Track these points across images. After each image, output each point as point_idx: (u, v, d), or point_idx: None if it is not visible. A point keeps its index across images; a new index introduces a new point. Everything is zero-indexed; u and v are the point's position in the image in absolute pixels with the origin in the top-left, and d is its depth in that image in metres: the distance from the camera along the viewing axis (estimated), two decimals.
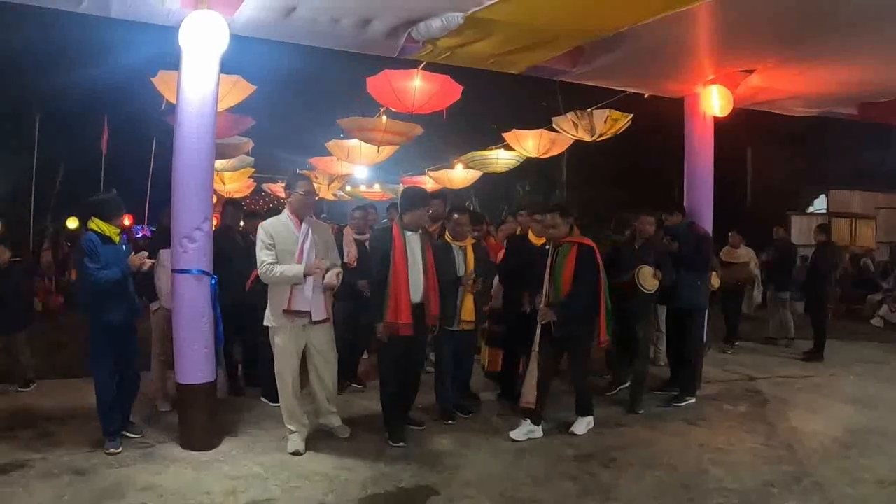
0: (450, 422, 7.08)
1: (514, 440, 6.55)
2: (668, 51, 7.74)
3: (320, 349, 6.34)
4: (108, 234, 6.13)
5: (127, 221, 9.77)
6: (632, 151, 18.23)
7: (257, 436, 6.59)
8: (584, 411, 6.97)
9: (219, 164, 12.94)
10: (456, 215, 7.16)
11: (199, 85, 6.12)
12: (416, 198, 6.63)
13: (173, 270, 6.23)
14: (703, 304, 8.27)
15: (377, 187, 20.25)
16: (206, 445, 6.19)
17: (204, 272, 6.20)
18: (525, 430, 6.65)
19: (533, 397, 6.59)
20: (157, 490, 5.34)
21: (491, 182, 17.75)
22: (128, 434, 6.39)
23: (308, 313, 6.13)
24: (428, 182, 16.21)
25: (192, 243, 6.13)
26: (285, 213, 6.30)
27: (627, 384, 8.09)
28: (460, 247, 7.13)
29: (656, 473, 5.84)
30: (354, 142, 11.92)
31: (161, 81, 8.14)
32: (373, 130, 10.26)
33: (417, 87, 8.25)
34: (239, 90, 8.34)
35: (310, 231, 6.22)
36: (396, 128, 10.28)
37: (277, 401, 6.45)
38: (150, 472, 5.67)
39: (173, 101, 7.55)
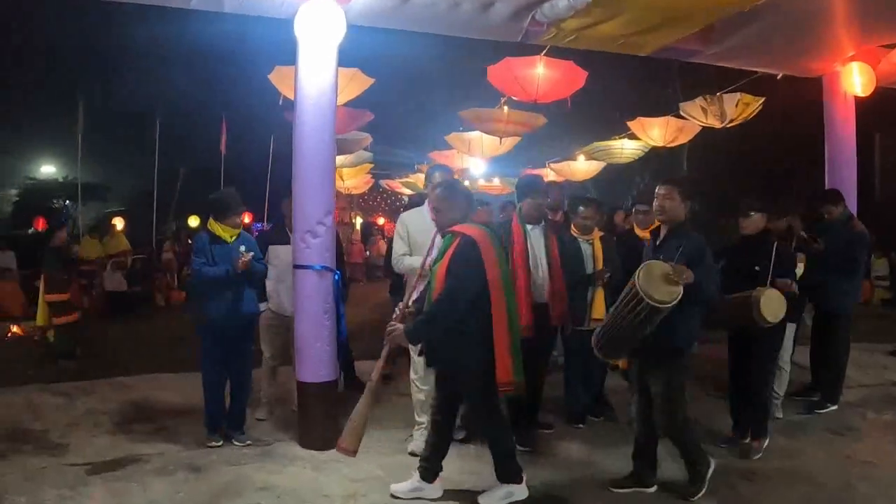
0: (579, 425, 6.73)
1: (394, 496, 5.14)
2: (807, 26, 7.32)
3: None
4: (218, 233, 6.09)
5: (247, 219, 9.84)
6: (760, 138, 17.39)
7: (377, 436, 6.37)
8: (504, 476, 5.01)
9: (337, 160, 12.91)
10: (581, 207, 6.76)
11: (316, 76, 6.00)
12: (529, 185, 6.32)
13: (295, 266, 6.12)
14: (850, 308, 7.52)
15: (496, 181, 19.95)
16: (326, 445, 6.00)
17: (326, 268, 6.08)
18: (410, 486, 5.16)
19: (353, 443, 5.09)
20: (274, 490, 5.24)
21: (610, 173, 17.21)
22: (234, 443, 6.24)
23: None
24: (549, 174, 15.79)
25: (315, 238, 6.02)
26: (425, 205, 6.14)
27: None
28: (587, 240, 6.72)
29: (800, 488, 5.37)
30: (475, 134, 11.69)
31: (277, 77, 8.09)
32: (495, 121, 9.98)
33: (540, 74, 7.93)
34: (357, 83, 8.19)
35: None
36: (519, 118, 9.98)
37: None
38: (267, 471, 5.59)
39: (290, 96, 7.50)
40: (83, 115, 18.40)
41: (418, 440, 5.95)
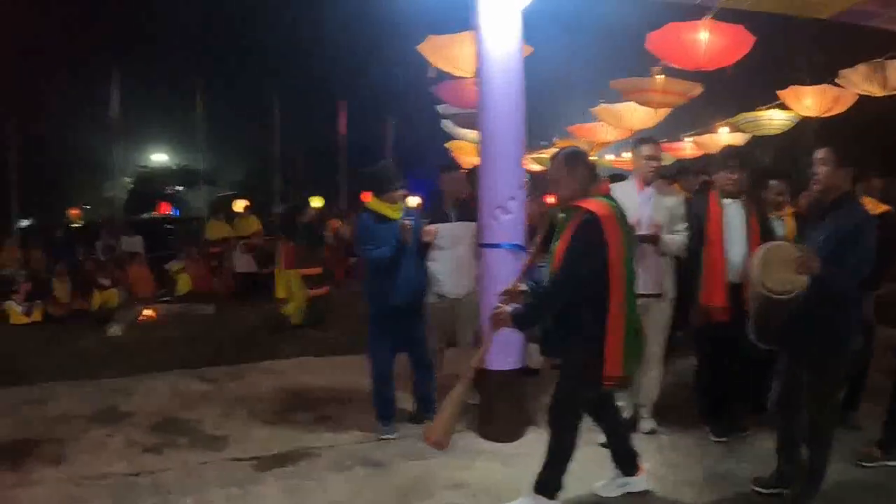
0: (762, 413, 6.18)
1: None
2: None
3: (649, 326, 5.41)
4: (382, 212, 5.77)
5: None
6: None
7: None
8: (539, 486, 4.47)
9: (470, 134, 12.64)
10: (773, 182, 6.20)
11: (502, 39, 5.58)
12: (727, 157, 5.98)
13: (482, 245, 5.74)
14: None
15: (626, 156, 19.28)
16: (511, 436, 5.68)
17: (518, 246, 5.66)
18: (614, 483, 4.76)
19: (444, 436, 4.51)
20: (467, 488, 4.87)
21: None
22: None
23: None
24: (686, 149, 15.21)
25: (507, 214, 5.61)
26: (631, 178, 5.83)
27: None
28: (779, 217, 6.15)
29: None
30: (628, 105, 11.05)
31: (429, 47, 7.72)
32: (650, 91, 9.40)
33: (706, 39, 7.39)
34: None
35: (651, 198, 5.62)
36: (675, 87, 9.37)
37: None
38: (454, 467, 5.19)
39: (444, 67, 7.15)
40: (201, 101, 18.64)
41: None
